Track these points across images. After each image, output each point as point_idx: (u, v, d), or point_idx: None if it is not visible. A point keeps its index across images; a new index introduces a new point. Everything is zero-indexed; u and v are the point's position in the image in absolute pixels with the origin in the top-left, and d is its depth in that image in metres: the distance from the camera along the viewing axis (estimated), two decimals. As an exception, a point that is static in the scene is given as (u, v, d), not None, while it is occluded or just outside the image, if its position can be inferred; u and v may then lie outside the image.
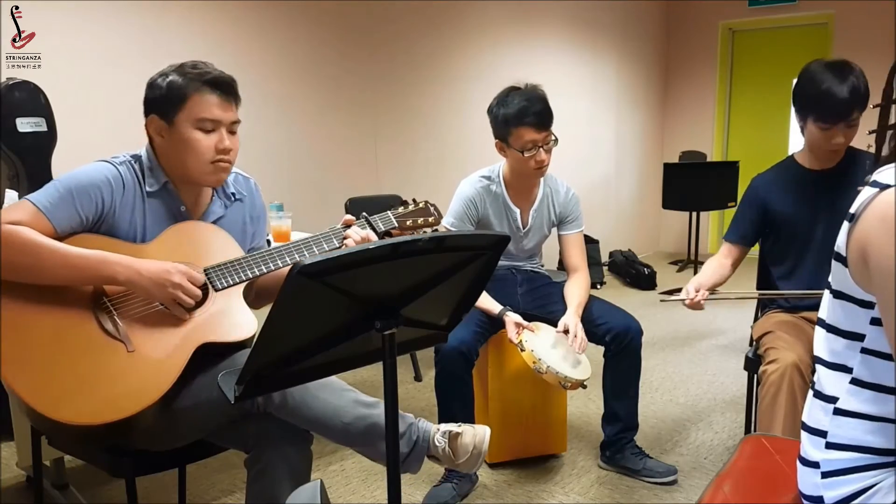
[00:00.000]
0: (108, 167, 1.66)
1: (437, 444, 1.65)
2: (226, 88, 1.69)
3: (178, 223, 1.72)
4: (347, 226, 1.83)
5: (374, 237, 1.83)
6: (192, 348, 1.58)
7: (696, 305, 2.24)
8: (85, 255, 1.55)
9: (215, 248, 1.73)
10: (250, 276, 1.69)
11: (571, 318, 2.45)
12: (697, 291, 2.26)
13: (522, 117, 2.41)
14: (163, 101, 1.66)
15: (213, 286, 1.65)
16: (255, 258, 1.71)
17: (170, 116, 1.66)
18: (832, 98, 2.07)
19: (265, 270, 1.71)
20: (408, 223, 1.93)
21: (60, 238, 1.57)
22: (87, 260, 1.54)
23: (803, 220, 2.31)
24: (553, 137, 2.50)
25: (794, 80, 2.22)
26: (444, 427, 1.68)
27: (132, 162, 1.70)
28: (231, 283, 1.67)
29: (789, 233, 2.35)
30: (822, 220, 2.27)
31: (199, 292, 1.61)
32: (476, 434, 1.65)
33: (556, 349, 2.38)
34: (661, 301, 2.44)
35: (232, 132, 1.71)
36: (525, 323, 2.41)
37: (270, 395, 1.57)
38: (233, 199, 1.84)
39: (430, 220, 1.97)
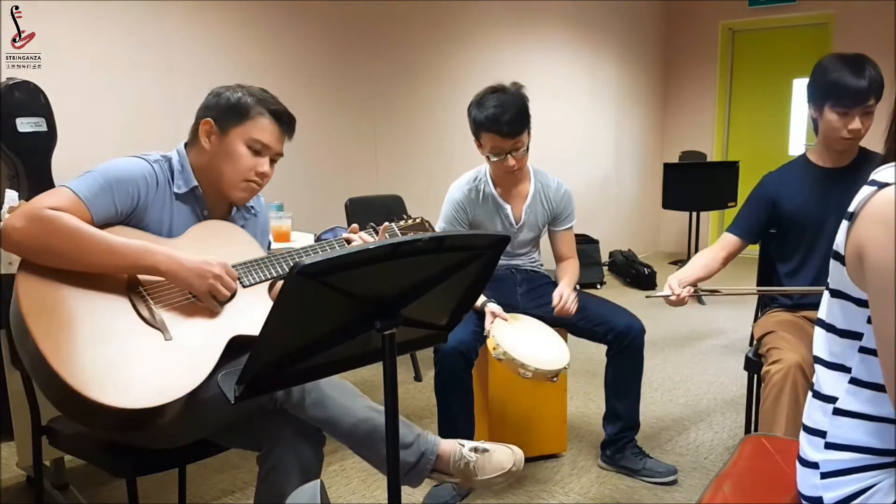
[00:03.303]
0: (144, 164, 1.70)
1: (465, 457, 1.64)
2: (286, 123, 1.80)
3: (204, 221, 1.78)
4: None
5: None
6: (225, 340, 1.60)
7: (680, 302, 2.23)
8: (128, 244, 1.57)
9: (241, 246, 1.78)
10: (275, 273, 1.74)
11: (565, 287, 2.48)
12: (683, 288, 2.24)
13: (491, 124, 2.40)
14: (225, 111, 1.73)
15: (240, 282, 1.69)
16: (279, 257, 1.76)
17: (226, 126, 1.73)
18: (849, 82, 2.09)
19: (288, 270, 1.74)
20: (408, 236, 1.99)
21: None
22: (130, 248, 1.57)
23: (813, 216, 2.30)
24: (524, 145, 2.47)
25: (806, 79, 2.23)
26: (472, 443, 1.67)
27: (163, 162, 1.75)
28: (257, 279, 1.72)
29: (799, 229, 2.34)
30: (831, 217, 2.25)
31: (235, 286, 1.66)
32: (515, 454, 1.64)
33: (526, 339, 2.33)
34: (647, 297, 2.43)
35: (273, 161, 1.80)
36: (501, 313, 2.40)
37: (290, 391, 1.60)
38: (250, 212, 1.92)
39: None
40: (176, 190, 1.74)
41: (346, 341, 1.23)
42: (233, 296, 1.67)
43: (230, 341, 1.62)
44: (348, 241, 1.85)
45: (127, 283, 1.62)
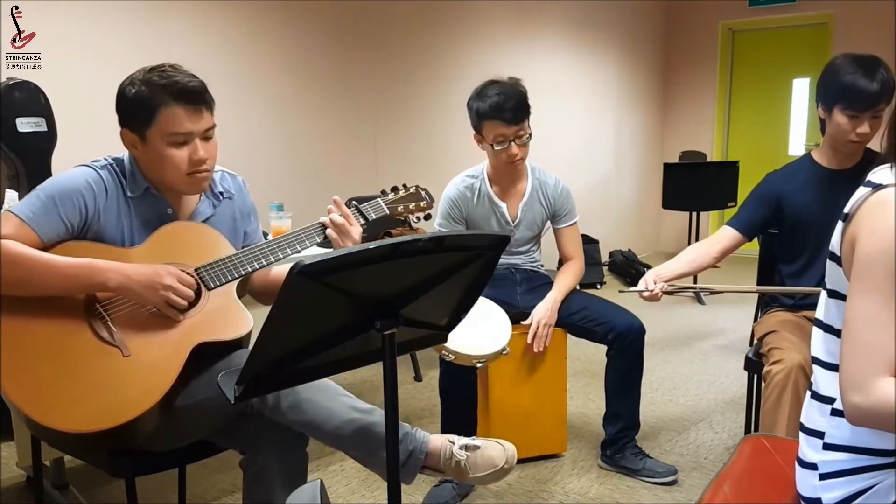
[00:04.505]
0: (89, 171, 1.64)
1: (456, 456, 1.61)
2: (194, 98, 1.62)
3: (166, 225, 1.70)
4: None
5: (353, 219, 1.79)
6: (188, 349, 1.57)
7: (653, 298, 2.21)
8: (74, 264, 1.53)
9: (206, 247, 1.70)
10: (242, 273, 1.67)
11: (546, 305, 2.50)
12: (656, 283, 2.23)
13: (494, 112, 2.42)
14: (132, 116, 1.62)
15: (205, 285, 1.64)
16: (247, 255, 1.69)
17: (141, 131, 1.62)
18: (862, 86, 2.07)
19: (257, 267, 1.69)
20: (399, 209, 1.90)
21: (47, 247, 1.56)
22: (76, 268, 1.53)
23: (818, 218, 2.28)
24: (527, 133, 2.49)
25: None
26: (462, 440, 1.64)
27: (114, 165, 1.68)
28: (223, 281, 1.65)
29: (803, 230, 2.32)
30: (836, 219, 2.24)
31: (190, 293, 1.60)
32: (507, 451, 1.62)
33: (469, 324, 2.30)
34: (620, 292, 2.41)
35: (207, 138, 1.67)
36: None
37: (265, 396, 1.56)
38: (221, 197, 1.82)
39: (422, 204, 1.93)
40: (130, 193, 1.67)
41: (346, 341, 1.23)
42: (198, 299, 1.63)
43: (198, 348, 1.58)
44: (324, 226, 1.76)
45: (84, 302, 1.58)
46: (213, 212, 1.79)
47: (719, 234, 2.40)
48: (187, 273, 1.62)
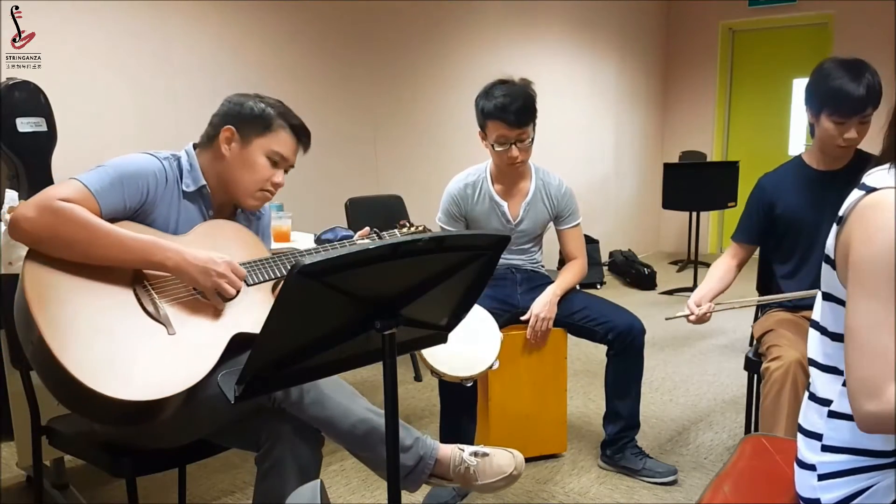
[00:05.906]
0: (155, 160, 1.72)
1: (466, 461, 1.64)
2: (304, 138, 1.85)
3: (208, 221, 1.79)
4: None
5: None
6: (228, 337, 1.61)
7: (701, 319, 2.25)
8: (138, 239, 1.59)
9: (246, 245, 1.80)
10: (279, 273, 1.75)
11: (544, 299, 2.52)
12: (699, 306, 2.25)
13: (498, 112, 2.42)
14: (248, 120, 1.77)
15: (244, 281, 1.70)
16: (283, 259, 1.77)
17: (248, 135, 1.77)
18: (848, 92, 2.07)
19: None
20: None
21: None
22: (140, 243, 1.59)
23: (809, 219, 2.30)
24: (529, 136, 2.48)
25: (806, 79, 2.21)
26: (472, 448, 1.68)
27: (172, 160, 1.77)
28: (262, 279, 1.73)
29: (795, 232, 2.34)
30: (827, 220, 2.24)
31: (241, 283, 1.66)
32: (515, 458, 1.65)
33: (456, 338, 2.31)
34: (667, 320, 2.42)
35: (286, 171, 1.85)
36: None
37: (288, 390, 1.60)
38: (254, 214, 1.94)
39: None
40: (184, 188, 1.76)
41: (346, 341, 1.23)
42: (237, 294, 1.68)
43: (232, 339, 1.62)
44: None
45: (132, 276, 1.62)
46: (247, 224, 1.91)
47: (731, 250, 2.46)
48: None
